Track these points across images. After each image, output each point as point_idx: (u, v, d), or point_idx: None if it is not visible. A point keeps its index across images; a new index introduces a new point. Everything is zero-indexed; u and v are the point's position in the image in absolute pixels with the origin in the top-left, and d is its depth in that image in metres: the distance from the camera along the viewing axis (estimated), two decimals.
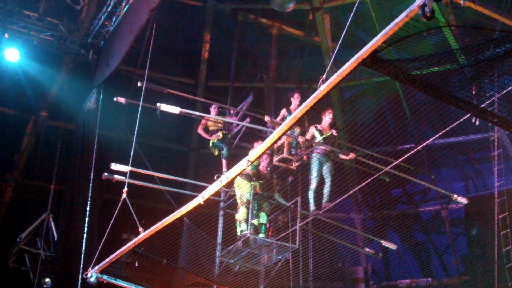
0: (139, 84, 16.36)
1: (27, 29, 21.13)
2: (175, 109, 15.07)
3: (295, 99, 16.08)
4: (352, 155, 15.19)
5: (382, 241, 16.95)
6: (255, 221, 15.30)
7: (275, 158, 15.51)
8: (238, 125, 18.36)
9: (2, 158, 23.91)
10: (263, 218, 15.62)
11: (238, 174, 11.46)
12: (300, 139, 15.04)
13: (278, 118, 16.06)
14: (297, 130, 15.32)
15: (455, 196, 15.80)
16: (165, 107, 14.90)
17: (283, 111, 16.01)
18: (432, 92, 8.44)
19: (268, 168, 15.82)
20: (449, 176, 22.67)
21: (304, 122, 15.57)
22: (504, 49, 8.07)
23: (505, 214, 16.45)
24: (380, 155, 15.50)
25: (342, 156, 15.31)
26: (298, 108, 9.11)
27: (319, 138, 15.08)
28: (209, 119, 18.15)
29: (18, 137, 24.05)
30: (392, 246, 16.87)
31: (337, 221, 17.85)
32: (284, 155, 15.19)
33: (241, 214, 15.29)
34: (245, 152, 14.65)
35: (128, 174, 14.67)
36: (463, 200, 15.83)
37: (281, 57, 24.59)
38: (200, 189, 12.47)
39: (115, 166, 15.21)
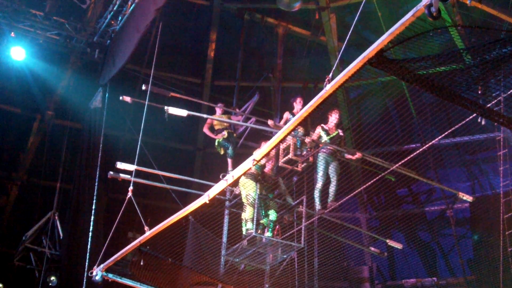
0: (143, 88, 16.39)
1: (33, 28, 21.17)
2: (182, 112, 15.09)
3: (297, 103, 16.08)
4: (358, 155, 15.16)
5: (388, 241, 16.93)
6: (263, 221, 15.32)
7: (281, 160, 15.50)
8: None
9: (8, 157, 24.00)
10: (273, 215, 15.62)
11: (244, 174, 11.46)
12: (307, 140, 15.03)
13: (282, 122, 16.07)
14: (300, 130, 15.31)
15: (460, 194, 15.78)
16: (172, 110, 14.92)
17: (286, 114, 16.01)
18: (438, 92, 8.44)
19: (274, 169, 15.81)
20: (454, 176, 22.64)
21: (307, 123, 15.55)
22: (511, 49, 8.07)
23: (511, 214, 16.44)
24: (386, 155, 15.49)
25: (348, 156, 15.29)
26: (300, 112, 9.11)
27: (325, 138, 15.08)
28: (214, 118, 18.18)
29: (24, 136, 24.13)
30: (397, 245, 16.85)
31: (343, 220, 17.84)
32: (290, 156, 15.19)
33: (248, 213, 15.30)
34: (251, 151, 14.68)
35: (133, 173, 14.69)
36: (468, 198, 15.80)
37: (287, 57, 24.55)
38: (206, 188, 12.49)
39: (120, 165, 15.24)
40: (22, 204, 23.96)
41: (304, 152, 15.36)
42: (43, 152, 23.74)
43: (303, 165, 15.56)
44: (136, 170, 14.87)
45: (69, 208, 22.23)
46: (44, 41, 21.66)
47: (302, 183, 16.13)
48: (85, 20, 21.82)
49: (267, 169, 15.74)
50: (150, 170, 15.99)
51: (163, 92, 17.65)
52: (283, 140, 10.22)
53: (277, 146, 13.23)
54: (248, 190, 15.29)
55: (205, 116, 18.04)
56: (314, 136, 15.22)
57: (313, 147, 15.23)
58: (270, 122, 15.83)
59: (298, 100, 16.12)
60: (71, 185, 22.85)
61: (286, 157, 15.31)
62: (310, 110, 8.85)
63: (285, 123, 15.44)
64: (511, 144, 18.23)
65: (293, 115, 15.68)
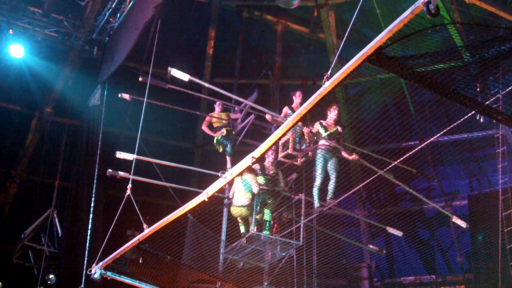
0: (140, 79, 16.33)
1: (31, 25, 21.16)
2: (184, 76, 14.97)
3: (296, 97, 16.04)
4: (355, 156, 15.09)
5: (388, 228, 16.83)
6: (257, 216, 15.30)
7: (280, 154, 15.48)
8: (242, 122, 18.37)
9: (7, 154, 23.97)
10: (267, 215, 15.62)
11: (242, 172, 11.42)
12: (305, 130, 14.97)
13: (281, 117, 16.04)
14: (300, 125, 15.27)
15: (454, 218, 15.69)
16: (175, 72, 14.80)
17: (285, 109, 15.95)
18: (436, 89, 8.44)
19: (274, 162, 15.80)
20: (453, 173, 22.66)
21: (307, 119, 15.51)
22: (509, 47, 8.07)
23: (509, 211, 16.46)
24: (384, 153, 15.46)
25: (345, 155, 15.25)
26: (300, 106, 9.11)
27: (323, 134, 15.04)
28: (213, 116, 18.17)
29: (23, 133, 24.09)
30: (397, 233, 16.74)
31: (342, 218, 17.82)
32: (289, 151, 15.16)
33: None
34: (250, 149, 14.65)
35: (132, 171, 14.64)
36: (462, 224, 15.72)
37: (286, 54, 24.58)
38: (204, 185, 12.47)
39: (120, 155, 15.20)
40: (21, 201, 23.93)
41: (303, 147, 15.33)
42: (42, 149, 23.73)
43: (302, 160, 15.53)
44: (136, 168, 14.83)
45: (68, 206, 22.24)
46: (43, 38, 21.66)
47: (301, 180, 16.13)
48: (84, 17, 21.81)
49: (267, 163, 15.75)
50: (149, 159, 15.92)
51: (160, 84, 17.59)
52: (281, 136, 10.17)
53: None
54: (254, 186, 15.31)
55: (206, 85, 17.85)
56: (313, 130, 15.17)
57: (312, 141, 15.20)
58: (268, 116, 15.79)
59: (298, 94, 16.08)
60: (70, 183, 22.87)
61: (285, 152, 15.28)
62: (309, 107, 8.84)
63: (284, 117, 15.41)
64: (509, 141, 18.25)
65: (292, 109, 15.64)
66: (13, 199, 24.00)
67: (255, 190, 15.14)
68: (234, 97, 16.46)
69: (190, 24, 24.91)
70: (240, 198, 15.25)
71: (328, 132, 15.05)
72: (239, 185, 15.37)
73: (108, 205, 21.40)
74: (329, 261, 17.35)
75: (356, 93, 24.69)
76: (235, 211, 15.49)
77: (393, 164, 14.35)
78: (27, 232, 22.47)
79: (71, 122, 23.99)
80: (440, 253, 22.33)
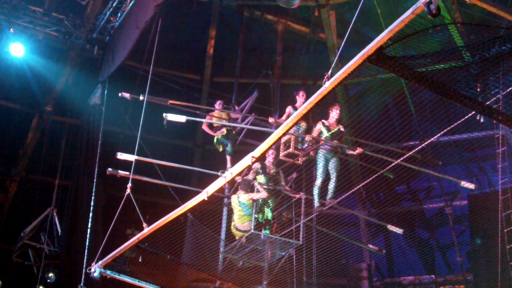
0: (141, 98, 16.33)
1: (32, 24, 21.14)
2: (181, 118, 15.02)
3: (300, 97, 16.03)
4: (359, 150, 15.09)
5: (388, 226, 16.81)
6: (257, 215, 15.31)
7: (282, 153, 15.48)
8: (242, 121, 18.38)
9: (7, 153, 23.95)
10: (268, 214, 15.62)
11: (242, 171, 11.41)
12: (307, 138, 14.99)
13: (284, 116, 16.01)
14: (303, 125, 15.28)
15: (462, 182, 15.68)
16: (171, 117, 14.84)
17: (289, 109, 15.94)
18: (437, 89, 8.44)
19: (275, 161, 15.80)
20: (453, 173, 22.63)
21: (309, 118, 15.52)
22: (510, 47, 8.07)
23: (509, 211, 16.46)
24: (385, 152, 15.46)
25: (350, 152, 15.24)
26: (299, 109, 9.11)
27: (326, 134, 15.02)
28: (213, 116, 18.18)
29: (23, 132, 24.08)
30: (398, 230, 16.69)
31: (341, 217, 17.80)
32: (291, 150, 15.16)
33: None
34: (250, 148, 14.66)
35: (132, 170, 14.63)
36: (470, 186, 15.71)
37: (286, 54, 24.54)
38: (204, 185, 12.47)
39: (121, 156, 15.19)
40: (21, 200, 23.92)
41: (305, 146, 15.33)
42: (42, 148, 23.72)
43: (303, 159, 15.53)
44: (136, 167, 14.82)
45: (68, 205, 22.21)
46: (43, 37, 21.64)
47: (301, 179, 16.13)
48: (85, 17, 21.81)
49: (268, 162, 15.76)
50: (150, 160, 15.92)
51: (161, 101, 17.61)
52: (282, 136, 10.18)
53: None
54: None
55: (203, 120, 18.02)
56: (315, 133, 15.17)
57: (313, 142, 15.19)
58: (271, 119, 15.79)
59: (301, 93, 16.07)
60: (70, 182, 22.85)
61: (287, 151, 15.28)
62: (309, 107, 8.84)
63: (287, 117, 15.41)
64: (510, 141, 18.25)
65: (295, 109, 15.64)
66: (13, 198, 23.99)
67: (264, 195, 15.23)
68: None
69: (191, 24, 24.90)
70: (242, 223, 15.37)
71: (330, 132, 15.04)
72: (237, 207, 15.47)
73: (108, 204, 21.40)
74: (329, 261, 17.34)
75: (356, 93, 24.68)
76: (237, 234, 15.57)
77: (395, 163, 14.35)
78: (27, 231, 22.46)
79: (71, 121, 23.96)
80: (440, 253, 22.34)
